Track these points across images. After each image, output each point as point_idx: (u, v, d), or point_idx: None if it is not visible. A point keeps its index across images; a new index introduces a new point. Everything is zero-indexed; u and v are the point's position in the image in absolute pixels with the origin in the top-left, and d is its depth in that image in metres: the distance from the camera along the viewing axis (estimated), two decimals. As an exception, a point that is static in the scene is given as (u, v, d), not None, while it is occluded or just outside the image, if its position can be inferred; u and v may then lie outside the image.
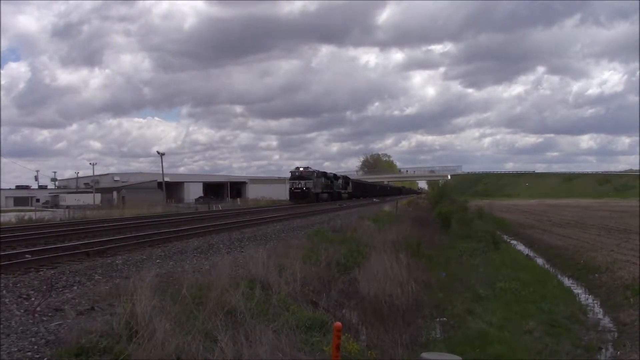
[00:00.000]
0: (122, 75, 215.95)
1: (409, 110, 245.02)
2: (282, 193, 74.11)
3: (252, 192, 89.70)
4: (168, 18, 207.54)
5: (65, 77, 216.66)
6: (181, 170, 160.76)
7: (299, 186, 51.30)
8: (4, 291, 7.98)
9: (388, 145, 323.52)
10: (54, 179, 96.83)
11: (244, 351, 5.37)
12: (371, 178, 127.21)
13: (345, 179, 73.44)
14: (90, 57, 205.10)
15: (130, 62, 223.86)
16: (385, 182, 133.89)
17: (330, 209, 37.51)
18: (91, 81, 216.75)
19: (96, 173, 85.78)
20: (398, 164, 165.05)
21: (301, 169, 54.01)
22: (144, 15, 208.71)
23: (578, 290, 14.37)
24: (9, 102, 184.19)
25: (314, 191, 52.15)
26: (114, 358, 4.97)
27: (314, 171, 54.70)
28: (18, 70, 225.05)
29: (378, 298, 9.66)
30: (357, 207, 42.68)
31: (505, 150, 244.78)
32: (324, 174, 59.76)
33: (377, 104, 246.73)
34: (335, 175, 67.29)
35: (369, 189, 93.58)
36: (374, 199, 69.33)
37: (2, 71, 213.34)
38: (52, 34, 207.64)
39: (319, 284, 9.83)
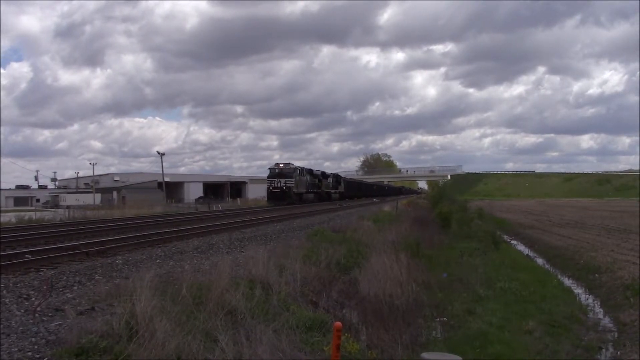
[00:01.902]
0: (124, 75, 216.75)
1: (409, 110, 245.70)
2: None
3: (253, 192, 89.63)
4: (170, 18, 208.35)
5: (67, 77, 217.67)
6: (182, 170, 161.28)
7: (278, 185, 44.92)
8: (4, 291, 7.98)
9: (388, 145, 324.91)
10: (54, 179, 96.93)
11: (244, 351, 5.37)
12: (371, 178, 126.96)
13: (337, 177, 68.17)
14: (92, 57, 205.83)
15: (132, 62, 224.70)
16: (386, 182, 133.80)
17: (330, 209, 37.55)
18: (93, 81, 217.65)
19: (96, 173, 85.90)
20: (398, 164, 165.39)
21: (281, 165, 47.33)
22: (146, 15, 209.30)
23: (578, 290, 14.37)
24: (10, 102, 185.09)
25: (295, 191, 45.85)
26: (114, 358, 4.97)
27: (296, 168, 47.88)
28: (20, 70, 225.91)
29: (378, 298, 9.66)
30: (357, 208, 42.71)
31: (506, 150, 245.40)
32: (310, 172, 53.56)
33: (377, 104, 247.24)
34: (323, 173, 61.09)
35: (365, 189, 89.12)
36: (374, 199, 68.59)
37: (4, 71, 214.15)
38: (54, 35, 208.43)
39: (319, 284, 9.82)
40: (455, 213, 31.15)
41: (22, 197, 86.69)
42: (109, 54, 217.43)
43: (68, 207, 51.58)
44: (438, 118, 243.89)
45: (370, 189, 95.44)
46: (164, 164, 66.28)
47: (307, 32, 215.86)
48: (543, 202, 73.21)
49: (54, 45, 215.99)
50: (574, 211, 47.00)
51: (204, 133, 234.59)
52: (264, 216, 27.29)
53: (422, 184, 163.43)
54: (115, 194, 72.90)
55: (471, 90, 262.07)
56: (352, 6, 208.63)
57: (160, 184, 69.02)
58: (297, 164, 57.16)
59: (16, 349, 5.22)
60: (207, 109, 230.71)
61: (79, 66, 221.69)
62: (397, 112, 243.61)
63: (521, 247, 24.29)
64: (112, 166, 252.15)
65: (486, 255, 17.87)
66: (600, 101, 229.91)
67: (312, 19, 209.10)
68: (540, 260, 19.87)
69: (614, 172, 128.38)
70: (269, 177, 46.85)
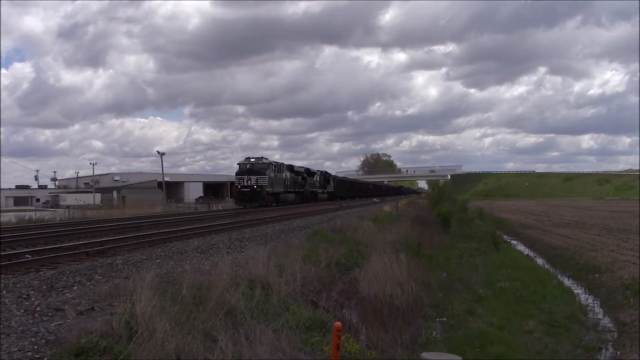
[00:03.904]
0: (126, 75, 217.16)
1: (410, 111, 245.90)
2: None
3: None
4: (172, 19, 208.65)
5: (69, 77, 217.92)
6: (182, 170, 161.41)
7: (248, 184, 37.82)
8: (4, 291, 7.97)
9: (389, 145, 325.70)
10: (53, 179, 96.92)
11: (244, 351, 5.37)
12: (371, 178, 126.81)
13: (325, 175, 61.02)
14: (94, 57, 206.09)
15: (134, 62, 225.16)
16: (386, 182, 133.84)
17: (329, 209, 37.56)
18: (95, 82, 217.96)
19: (97, 173, 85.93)
20: (399, 164, 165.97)
21: (252, 159, 40.16)
22: (148, 16, 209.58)
23: (578, 290, 14.36)
24: (12, 102, 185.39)
25: (270, 190, 38.78)
26: (114, 358, 4.97)
27: (270, 163, 40.55)
28: (22, 70, 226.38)
29: (378, 298, 9.65)
30: (357, 208, 42.70)
31: (506, 150, 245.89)
32: (290, 168, 46.50)
33: (378, 104, 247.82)
34: (308, 170, 53.79)
35: (360, 189, 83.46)
36: (374, 199, 67.75)
37: (7, 71, 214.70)
38: (57, 35, 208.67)
39: (319, 284, 9.82)
40: (455, 213, 31.14)
41: (22, 197, 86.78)
42: (111, 55, 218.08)
43: (68, 206, 51.55)
44: (439, 118, 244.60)
45: (366, 188, 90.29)
46: (164, 163, 66.35)
47: (308, 33, 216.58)
48: (543, 202, 73.18)
49: (57, 45, 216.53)
50: (574, 211, 46.97)
51: (205, 133, 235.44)
52: (264, 216, 27.29)
53: (422, 184, 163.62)
54: (115, 193, 72.92)
55: (472, 90, 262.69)
56: (354, 7, 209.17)
57: (160, 184, 68.98)
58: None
59: (16, 349, 5.22)
60: (209, 109, 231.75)
61: (81, 67, 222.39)
62: (397, 112, 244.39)
63: (521, 247, 24.28)
64: (113, 166, 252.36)
65: (486, 255, 17.86)
66: (601, 101, 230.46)
67: (313, 19, 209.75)
68: (540, 260, 19.86)
69: (614, 172, 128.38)
70: (237, 174, 39.67)
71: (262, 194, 37.84)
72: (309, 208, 38.73)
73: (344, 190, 69.05)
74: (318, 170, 58.98)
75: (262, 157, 40.90)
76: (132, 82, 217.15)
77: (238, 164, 40.64)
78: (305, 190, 49.88)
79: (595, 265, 16.32)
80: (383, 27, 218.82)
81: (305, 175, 50.62)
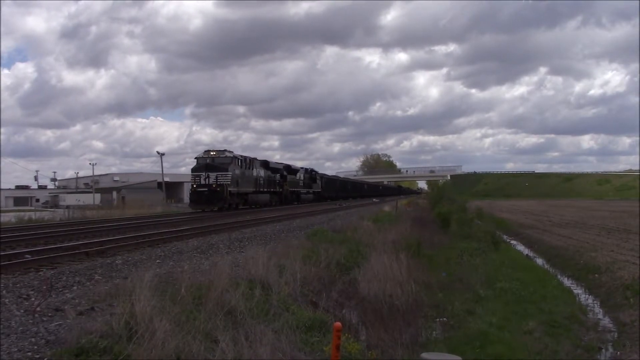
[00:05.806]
0: (127, 76, 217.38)
1: (411, 111, 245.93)
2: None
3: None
4: (174, 19, 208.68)
5: (71, 78, 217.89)
6: (182, 170, 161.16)
7: (205, 182, 30.94)
8: (4, 291, 7.97)
9: (390, 145, 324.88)
10: (53, 179, 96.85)
11: (244, 351, 5.37)
12: (370, 178, 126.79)
13: (311, 173, 53.53)
14: (96, 58, 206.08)
15: (136, 63, 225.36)
16: (385, 182, 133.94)
17: (330, 209, 37.58)
18: (96, 82, 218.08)
19: (97, 173, 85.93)
20: (399, 164, 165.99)
21: (212, 152, 32.76)
22: (151, 17, 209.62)
23: (578, 290, 14.36)
24: (14, 102, 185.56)
25: (233, 190, 31.94)
26: (114, 358, 4.97)
27: (235, 157, 33.22)
28: (24, 70, 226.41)
29: (378, 298, 9.66)
30: (357, 208, 42.76)
31: (506, 151, 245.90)
32: (265, 164, 39.54)
33: (379, 104, 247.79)
34: (289, 166, 46.62)
35: (353, 189, 76.84)
36: (374, 200, 67.13)
37: (9, 71, 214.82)
38: (60, 35, 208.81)
39: (319, 284, 9.82)
40: (454, 213, 31.13)
41: (22, 197, 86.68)
42: (113, 55, 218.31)
43: (68, 207, 51.46)
44: (439, 118, 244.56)
45: (360, 188, 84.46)
46: (165, 164, 66.29)
47: (310, 33, 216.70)
48: (543, 202, 73.17)
49: (59, 46, 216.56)
50: (574, 211, 46.96)
51: (206, 133, 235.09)
52: (264, 216, 27.29)
53: (422, 184, 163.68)
54: (114, 194, 72.89)
55: (473, 90, 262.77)
56: (355, 7, 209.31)
57: (160, 184, 68.89)
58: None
59: (16, 349, 5.22)
60: (210, 109, 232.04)
61: (82, 67, 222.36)
62: (398, 113, 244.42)
63: (521, 247, 24.28)
64: (114, 166, 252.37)
65: (486, 255, 17.86)
66: (601, 102, 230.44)
67: (315, 20, 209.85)
68: (540, 260, 19.86)
69: (614, 172, 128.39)
70: (193, 170, 32.45)
71: (222, 194, 30.97)
72: (309, 208, 38.72)
73: (333, 190, 62.73)
74: (302, 168, 51.89)
75: (224, 150, 33.56)
76: (133, 82, 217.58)
77: (195, 158, 33.27)
78: (285, 190, 43.14)
79: (595, 265, 16.31)
80: (384, 27, 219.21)
81: (284, 172, 43.78)
